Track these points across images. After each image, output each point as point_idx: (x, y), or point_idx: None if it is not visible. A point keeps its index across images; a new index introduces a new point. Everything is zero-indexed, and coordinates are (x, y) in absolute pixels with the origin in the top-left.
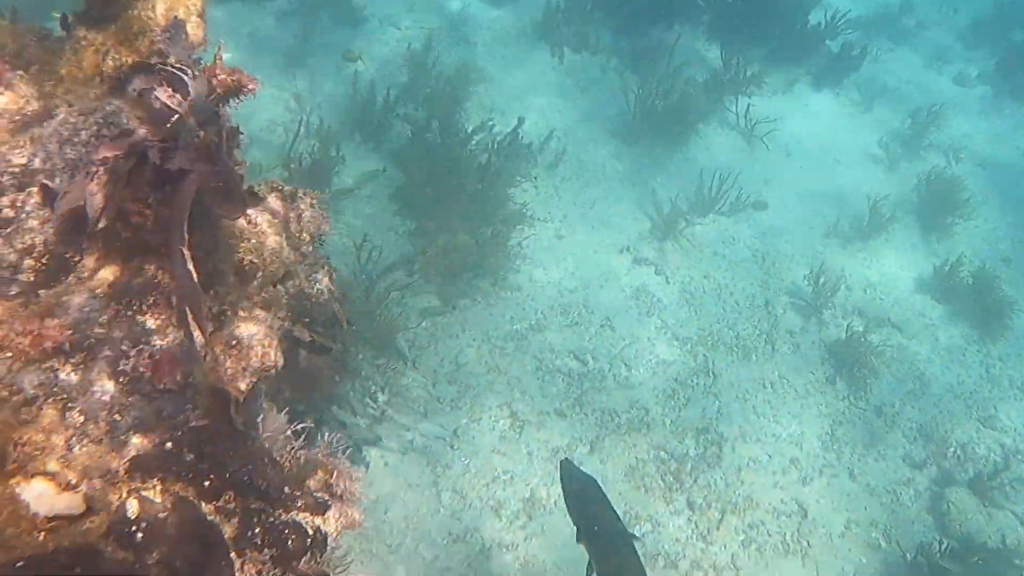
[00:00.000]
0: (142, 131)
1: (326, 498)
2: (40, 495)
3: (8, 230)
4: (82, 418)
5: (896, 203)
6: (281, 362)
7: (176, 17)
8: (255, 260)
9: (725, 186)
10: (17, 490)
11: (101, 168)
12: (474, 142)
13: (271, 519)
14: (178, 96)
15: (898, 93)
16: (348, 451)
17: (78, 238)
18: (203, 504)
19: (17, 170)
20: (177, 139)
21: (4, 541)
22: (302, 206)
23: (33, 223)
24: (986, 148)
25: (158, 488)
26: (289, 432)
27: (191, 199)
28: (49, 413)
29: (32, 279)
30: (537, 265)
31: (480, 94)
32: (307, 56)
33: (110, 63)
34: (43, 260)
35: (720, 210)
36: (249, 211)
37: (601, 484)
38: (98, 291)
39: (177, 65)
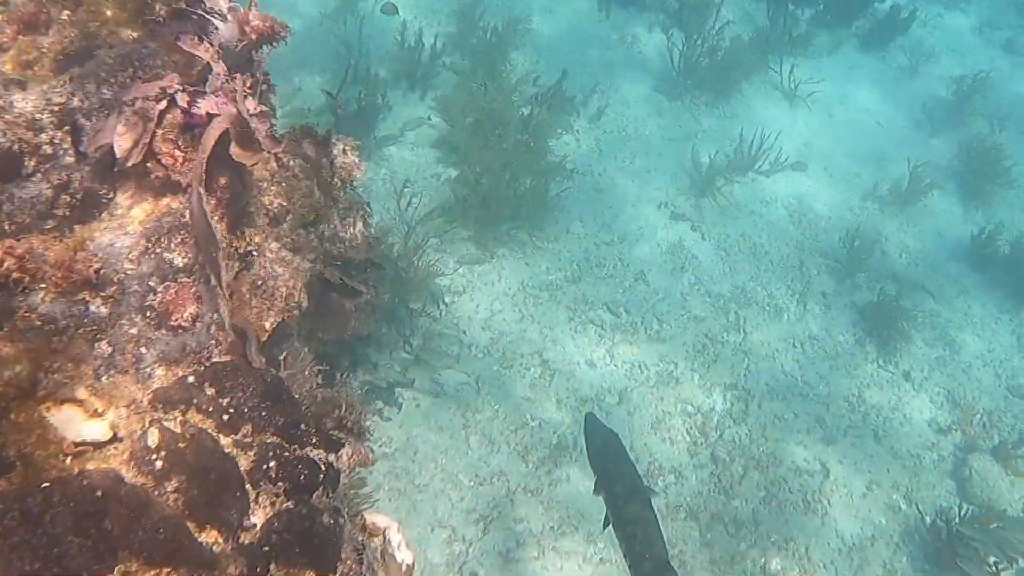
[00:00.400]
0: (173, 75)
1: (341, 436)
2: (68, 421)
3: (46, 166)
4: (110, 349)
5: (937, 169)
6: (306, 303)
7: None
8: (284, 203)
9: (765, 145)
10: (47, 415)
11: (130, 109)
12: (518, 93)
13: (286, 454)
14: (206, 42)
15: (944, 58)
16: (379, 393)
17: (112, 177)
18: (221, 437)
19: (57, 108)
20: (205, 84)
21: (33, 463)
22: (335, 152)
23: (69, 160)
24: None
25: (179, 420)
26: (308, 372)
27: (214, 143)
28: (79, 343)
29: (67, 214)
30: (575, 217)
31: (525, 46)
32: (357, 1)
33: (157, 7)
34: (78, 197)
35: (759, 169)
36: (281, 155)
37: (622, 439)
38: (129, 228)
39: (209, 10)
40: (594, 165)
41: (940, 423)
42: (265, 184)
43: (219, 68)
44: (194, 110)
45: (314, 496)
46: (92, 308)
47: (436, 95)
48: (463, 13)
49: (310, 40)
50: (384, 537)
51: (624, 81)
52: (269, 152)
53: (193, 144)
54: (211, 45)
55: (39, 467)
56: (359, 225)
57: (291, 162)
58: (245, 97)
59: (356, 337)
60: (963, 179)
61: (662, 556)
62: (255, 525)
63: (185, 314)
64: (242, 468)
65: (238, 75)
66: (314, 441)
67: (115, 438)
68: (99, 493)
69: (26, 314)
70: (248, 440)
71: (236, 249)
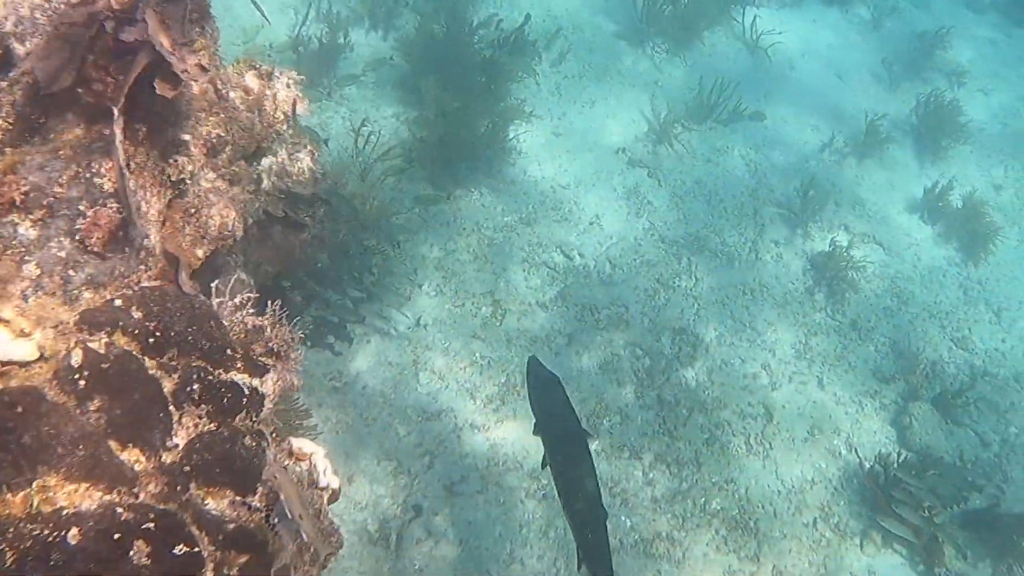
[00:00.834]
0: (103, 2)
1: (267, 362)
2: None
3: None
4: (38, 271)
5: (894, 123)
6: (240, 232)
7: None
8: (222, 134)
9: (725, 95)
10: None
11: (56, 34)
12: (480, 36)
13: (210, 377)
14: None
15: (907, 13)
16: (331, 328)
17: (45, 102)
18: (146, 359)
19: None
20: (135, 12)
21: None
22: (278, 85)
23: (2, 84)
24: (990, 75)
25: (104, 341)
26: (240, 299)
27: (139, 70)
28: (7, 264)
29: (0, 138)
30: (532, 160)
31: None
32: None
33: None
34: (10, 120)
35: (718, 118)
36: (219, 86)
37: (563, 383)
38: (60, 152)
39: None
40: (553, 109)
41: (884, 372)
42: (204, 115)
43: None
44: (122, 36)
45: (237, 419)
46: (21, 230)
47: (398, 36)
48: None
49: None
50: (310, 462)
51: (587, 27)
52: (195, 82)
53: (124, 71)
54: None
55: None
56: (307, 160)
57: (231, 94)
58: (168, 27)
59: (308, 273)
60: (919, 134)
61: (594, 495)
62: (177, 446)
63: (113, 238)
64: (166, 390)
65: (170, 4)
66: (239, 366)
67: (41, 358)
68: (19, 409)
69: None
70: (173, 363)
71: (169, 177)
